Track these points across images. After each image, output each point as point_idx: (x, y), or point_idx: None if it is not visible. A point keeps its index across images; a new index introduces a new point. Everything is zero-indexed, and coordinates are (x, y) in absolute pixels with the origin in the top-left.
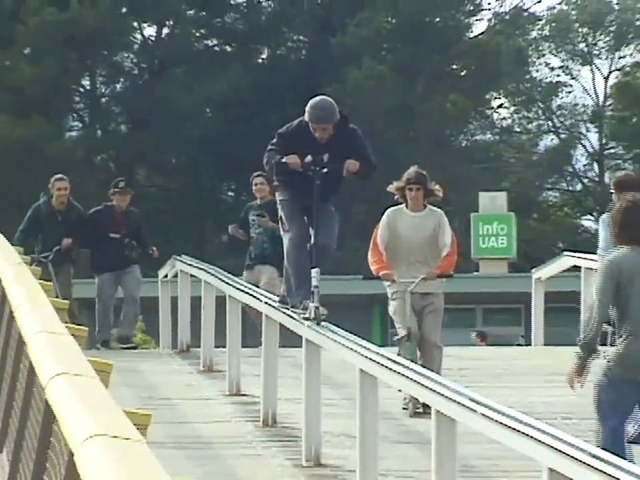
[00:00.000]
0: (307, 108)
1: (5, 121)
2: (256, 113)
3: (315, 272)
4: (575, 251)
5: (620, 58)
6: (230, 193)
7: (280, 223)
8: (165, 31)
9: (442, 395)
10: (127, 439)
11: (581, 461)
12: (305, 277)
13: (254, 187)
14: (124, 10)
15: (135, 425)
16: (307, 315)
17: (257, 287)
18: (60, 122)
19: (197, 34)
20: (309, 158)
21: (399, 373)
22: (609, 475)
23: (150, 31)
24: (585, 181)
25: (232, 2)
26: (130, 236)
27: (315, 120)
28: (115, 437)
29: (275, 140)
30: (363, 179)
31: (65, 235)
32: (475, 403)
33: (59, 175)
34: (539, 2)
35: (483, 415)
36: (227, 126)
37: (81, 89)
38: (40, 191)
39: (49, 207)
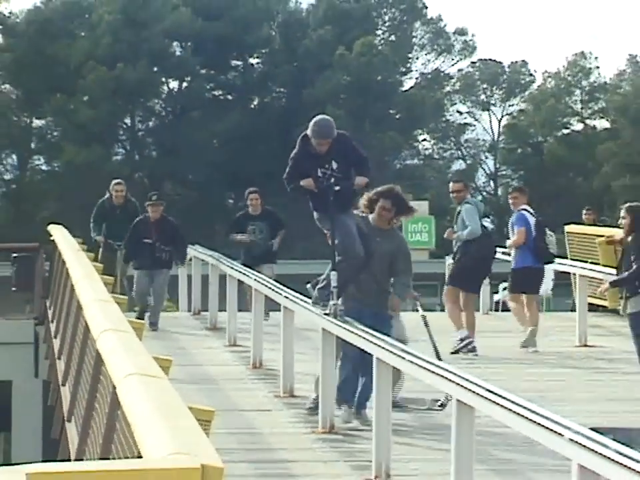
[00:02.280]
0: (311, 125)
1: (71, 149)
2: (250, 143)
3: (334, 274)
4: None
5: (510, 106)
6: (230, 200)
7: (336, 247)
8: (184, 84)
9: (382, 347)
10: (154, 376)
11: (470, 390)
12: (343, 287)
13: (249, 201)
14: (155, 69)
15: (160, 367)
16: (327, 311)
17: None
18: (109, 149)
19: (207, 87)
20: (320, 172)
21: (348, 330)
22: (485, 397)
23: (174, 84)
24: (484, 194)
25: (232, 64)
26: (162, 241)
27: (319, 136)
28: (145, 375)
29: (289, 165)
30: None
31: (123, 224)
32: (405, 352)
33: (117, 180)
34: (452, 65)
35: (411, 361)
36: (229, 153)
37: (124, 125)
38: (96, 199)
39: (110, 203)
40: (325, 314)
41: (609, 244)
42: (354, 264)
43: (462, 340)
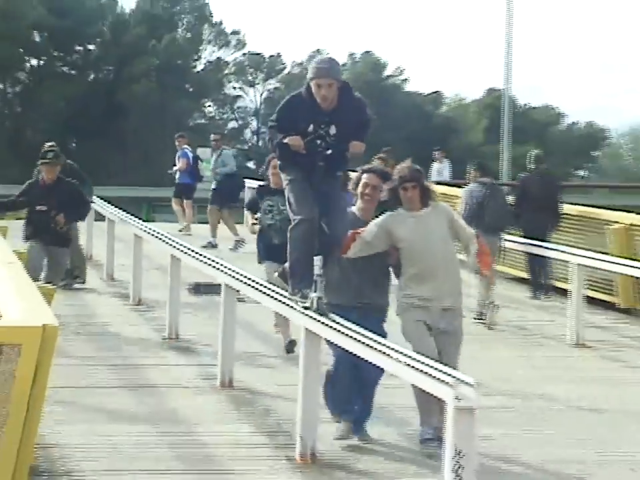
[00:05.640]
0: (310, 66)
1: None
2: (84, 106)
3: (317, 260)
4: None
5: (268, 84)
6: None
7: (287, 204)
8: (42, 62)
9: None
10: (11, 263)
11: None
12: (310, 264)
13: (271, 170)
14: (20, 50)
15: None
16: (307, 304)
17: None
18: None
19: (58, 65)
20: (311, 127)
21: (192, 256)
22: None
23: (34, 62)
24: (250, 144)
25: (76, 49)
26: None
27: (319, 74)
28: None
29: (275, 116)
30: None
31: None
32: (248, 279)
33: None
34: (230, 55)
35: (248, 283)
36: (70, 111)
37: None
38: None
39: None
40: (305, 307)
41: None
42: (307, 230)
43: (237, 242)
